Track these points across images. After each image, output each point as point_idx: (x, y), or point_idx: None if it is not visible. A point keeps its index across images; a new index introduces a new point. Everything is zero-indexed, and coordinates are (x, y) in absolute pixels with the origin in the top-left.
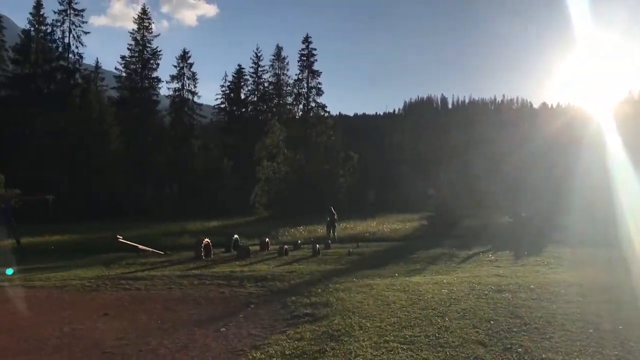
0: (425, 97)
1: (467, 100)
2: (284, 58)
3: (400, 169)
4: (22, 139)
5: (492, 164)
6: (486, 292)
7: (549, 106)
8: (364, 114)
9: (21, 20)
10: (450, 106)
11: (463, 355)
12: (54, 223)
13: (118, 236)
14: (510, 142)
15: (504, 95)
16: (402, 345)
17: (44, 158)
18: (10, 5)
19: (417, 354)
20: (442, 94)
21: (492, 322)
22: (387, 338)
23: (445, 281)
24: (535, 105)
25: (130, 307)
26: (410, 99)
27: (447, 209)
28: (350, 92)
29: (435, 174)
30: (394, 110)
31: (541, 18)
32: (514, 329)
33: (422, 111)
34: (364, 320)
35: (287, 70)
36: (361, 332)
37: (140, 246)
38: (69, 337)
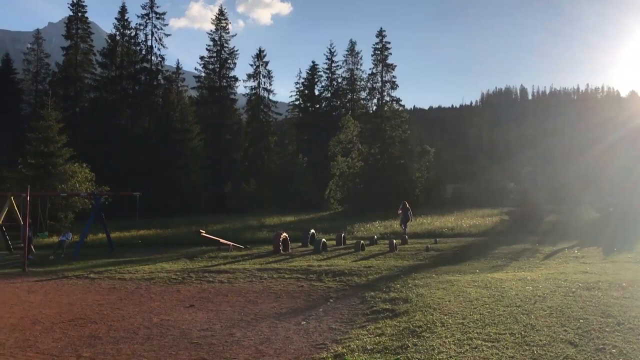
0: (503, 88)
1: (547, 90)
2: (358, 53)
3: (478, 162)
4: (110, 139)
5: (575, 156)
6: (574, 289)
7: (639, 95)
8: (439, 107)
9: (107, 25)
10: (530, 97)
11: (552, 354)
12: (140, 218)
13: (201, 230)
14: (594, 132)
15: (587, 84)
16: (487, 343)
17: (131, 156)
18: (98, 12)
19: (502, 352)
20: (522, 84)
21: (581, 321)
22: (470, 335)
23: (529, 278)
24: (623, 94)
25: (215, 299)
26: (488, 90)
27: (528, 203)
28: (425, 84)
29: (515, 167)
30: (471, 102)
31: (629, 1)
32: (606, 329)
33: (500, 102)
34: (445, 317)
35: (361, 64)
36: (443, 328)
37: (221, 240)
38: (158, 327)
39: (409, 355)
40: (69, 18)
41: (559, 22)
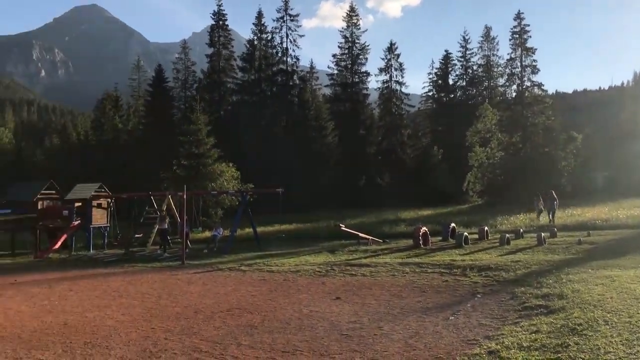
0: None
1: None
2: (494, 38)
3: (631, 148)
4: (251, 138)
5: None
6: None
7: None
8: (584, 90)
9: (244, 31)
10: None
11: None
12: (282, 213)
13: (340, 225)
14: None
15: None
16: None
17: (271, 154)
18: (236, 19)
19: None
20: None
21: None
22: None
23: None
24: None
25: (359, 292)
26: None
27: None
28: (568, 67)
29: None
30: (622, 83)
31: None
32: None
33: None
34: (608, 315)
35: (497, 50)
36: (607, 327)
37: (360, 234)
38: (309, 318)
39: (570, 354)
40: (212, 27)
41: None
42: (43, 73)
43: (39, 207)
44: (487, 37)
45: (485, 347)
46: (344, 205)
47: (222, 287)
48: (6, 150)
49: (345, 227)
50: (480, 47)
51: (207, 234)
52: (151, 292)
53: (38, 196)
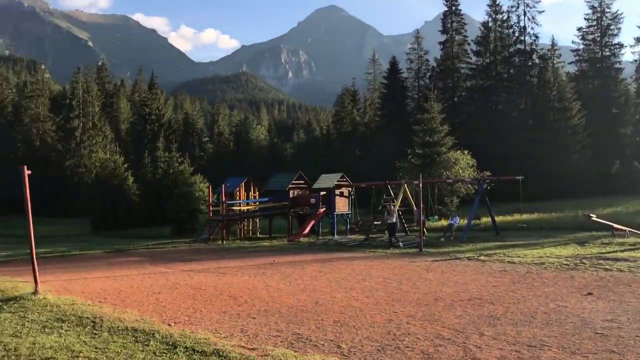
0: None
1: None
2: None
3: None
4: (487, 124)
5: None
6: None
7: None
8: None
9: (477, 14)
10: None
11: None
12: (523, 202)
13: (591, 215)
14: None
15: None
16: None
17: (508, 140)
18: (470, 3)
19: None
20: None
21: None
22: None
23: None
24: None
25: (616, 289)
26: None
27: None
28: None
29: None
30: None
31: None
32: None
33: None
34: None
35: None
36: None
37: (615, 225)
38: (556, 313)
39: None
40: (444, 13)
41: None
42: (290, 74)
43: (290, 196)
44: None
45: None
46: (592, 193)
47: (461, 276)
48: (263, 145)
49: (597, 217)
50: None
51: (443, 222)
52: (392, 277)
53: (290, 186)
